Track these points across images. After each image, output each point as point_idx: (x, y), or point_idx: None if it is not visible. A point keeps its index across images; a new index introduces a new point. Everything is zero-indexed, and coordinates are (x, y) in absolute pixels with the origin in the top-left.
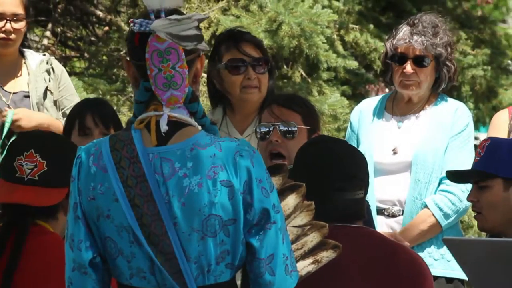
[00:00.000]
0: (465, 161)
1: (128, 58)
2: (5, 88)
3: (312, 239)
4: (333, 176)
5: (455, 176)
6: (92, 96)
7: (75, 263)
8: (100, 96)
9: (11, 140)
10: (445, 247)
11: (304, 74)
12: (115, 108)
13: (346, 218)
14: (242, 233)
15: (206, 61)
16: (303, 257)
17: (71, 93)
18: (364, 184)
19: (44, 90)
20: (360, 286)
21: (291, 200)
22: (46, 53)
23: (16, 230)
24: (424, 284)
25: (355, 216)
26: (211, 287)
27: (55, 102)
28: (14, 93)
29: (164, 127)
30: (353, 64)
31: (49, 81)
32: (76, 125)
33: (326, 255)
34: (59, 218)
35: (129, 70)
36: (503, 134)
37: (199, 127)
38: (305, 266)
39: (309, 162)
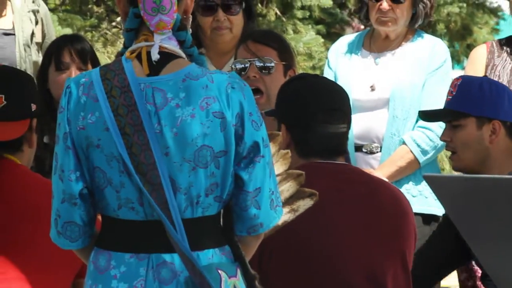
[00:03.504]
0: (443, 97)
1: None
2: None
3: (289, 188)
4: (316, 108)
5: (428, 115)
6: (66, 31)
7: (65, 194)
8: (75, 32)
9: None
10: (423, 184)
11: (278, 12)
12: None
13: (329, 152)
14: (232, 166)
15: None
16: None
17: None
18: (347, 118)
19: (31, 31)
20: (343, 224)
21: None
22: None
23: None
24: (406, 220)
25: (338, 151)
26: (198, 220)
27: (37, 45)
28: None
29: (155, 56)
30: (327, 2)
31: (35, 22)
32: (53, 60)
33: (303, 204)
34: (24, 150)
35: (120, 2)
36: (481, 68)
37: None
38: (282, 215)
39: (292, 96)
